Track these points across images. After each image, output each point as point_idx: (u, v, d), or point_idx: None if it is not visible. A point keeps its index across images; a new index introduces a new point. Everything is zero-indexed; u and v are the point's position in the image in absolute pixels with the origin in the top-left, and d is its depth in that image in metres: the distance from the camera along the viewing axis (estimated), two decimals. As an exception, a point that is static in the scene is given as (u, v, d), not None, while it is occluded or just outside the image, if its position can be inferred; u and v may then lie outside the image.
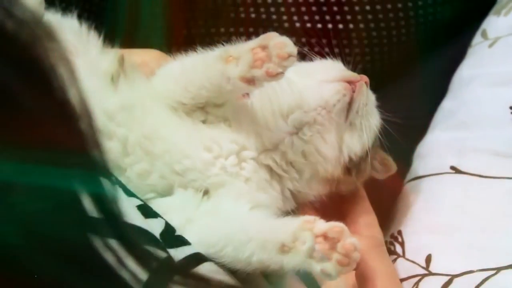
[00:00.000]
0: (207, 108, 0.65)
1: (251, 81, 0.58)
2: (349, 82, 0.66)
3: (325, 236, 0.53)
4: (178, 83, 0.64)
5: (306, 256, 0.53)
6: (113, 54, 0.67)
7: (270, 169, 0.65)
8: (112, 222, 0.39)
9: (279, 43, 0.57)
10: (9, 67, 0.34)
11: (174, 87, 0.64)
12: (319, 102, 0.65)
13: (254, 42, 0.59)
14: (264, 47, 0.58)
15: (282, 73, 0.57)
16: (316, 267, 0.53)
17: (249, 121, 0.65)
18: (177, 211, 0.60)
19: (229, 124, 0.65)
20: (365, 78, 0.68)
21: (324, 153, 0.66)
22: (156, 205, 0.59)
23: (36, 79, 0.35)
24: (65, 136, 0.36)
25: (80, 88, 0.37)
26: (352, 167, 0.67)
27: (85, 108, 0.37)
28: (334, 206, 0.68)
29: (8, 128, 0.34)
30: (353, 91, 0.66)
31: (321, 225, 0.54)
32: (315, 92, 0.66)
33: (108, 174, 0.41)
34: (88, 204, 0.37)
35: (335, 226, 0.54)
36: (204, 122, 0.65)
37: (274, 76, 0.57)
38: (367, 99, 0.68)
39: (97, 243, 0.38)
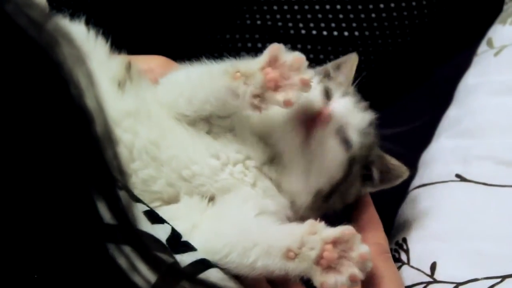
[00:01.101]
0: (211, 120, 0.64)
1: (263, 101, 0.57)
2: (311, 119, 0.63)
3: (334, 242, 0.52)
4: (182, 95, 0.63)
5: (313, 263, 0.52)
6: (120, 60, 0.67)
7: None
8: (126, 229, 0.39)
9: (295, 63, 0.56)
10: (29, 73, 0.34)
11: (177, 99, 0.63)
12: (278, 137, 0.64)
13: (262, 59, 0.57)
14: (274, 60, 0.56)
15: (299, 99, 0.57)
16: (321, 278, 0.52)
17: (253, 132, 0.65)
18: (182, 217, 0.60)
19: (234, 134, 0.65)
20: (325, 113, 0.63)
21: (289, 187, 0.64)
22: (161, 212, 0.59)
23: (55, 84, 0.35)
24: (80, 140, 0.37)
25: (97, 93, 0.37)
26: (329, 193, 0.66)
27: (101, 113, 0.37)
28: (339, 211, 0.68)
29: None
30: (313, 127, 0.63)
31: (330, 230, 0.53)
32: (276, 126, 0.64)
33: (116, 180, 0.41)
34: (103, 211, 0.38)
35: (346, 229, 0.53)
36: (208, 133, 0.64)
37: (292, 104, 0.56)
38: (330, 130, 0.63)
39: (111, 248, 0.38)
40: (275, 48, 0.57)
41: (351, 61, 0.71)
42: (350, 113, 0.64)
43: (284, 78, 0.56)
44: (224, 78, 0.58)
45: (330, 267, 0.52)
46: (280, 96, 0.56)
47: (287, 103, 0.55)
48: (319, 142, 0.62)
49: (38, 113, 0.35)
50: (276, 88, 0.56)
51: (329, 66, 0.72)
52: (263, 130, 0.64)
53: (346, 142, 0.64)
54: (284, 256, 0.54)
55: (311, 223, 0.55)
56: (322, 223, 0.55)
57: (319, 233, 0.53)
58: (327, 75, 0.70)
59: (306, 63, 0.57)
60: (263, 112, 0.57)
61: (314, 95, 0.63)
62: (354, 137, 0.64)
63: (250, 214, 0.61)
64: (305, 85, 0.56)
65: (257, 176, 0.64)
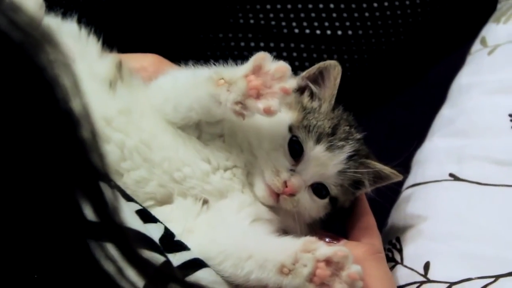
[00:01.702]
0: (200, 126, 0.64)
1: (244, 108, 0.57)
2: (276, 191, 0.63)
3: (327, 261, 0.53)
4: (168, 102, 0.63)
5: (306, 280, 0.53)
6: (112, 58, 0.66)
7: None
8: (110, 226, 0.39)
9: (278, 72, 0.56)
10: (14, 78, 0.34)
11: (164, 106, 0.63)
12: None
13: (246, 67, 0.57)
14: (258, 69, 0.57)
15: (279, 110, 0.57)
16: None
17: (241, 140, 0.65)
18: (176, 219, 0.60)
19: (223, 140, 0.64)
20: (288, 191, 0.62)
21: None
22: (155, 213, 0.59)
23: (39, 88, 0.35)
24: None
25: (83, 97, 0.37)
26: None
27: (87, 117, 0.37)
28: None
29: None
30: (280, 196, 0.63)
31: (323, 249, 0.53)
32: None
33: (107, 179, 0.41)
34: (87, 210, 0.37)
35: (339, 251, 0.53)
36: (198, 138, 0.64)
37: (273, 113, 0.56)
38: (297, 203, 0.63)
39: (98, 252, 0.38)
40: (260, 57, 0.57)
41: (334, 72, 0.66)
42: (319, 166, 0.63)
43: (266, 86, 0.56)
44: (208, 85, 0.58)
45: (323, 284, 0.53)
46: (260, 104, 0.56)
47: (267, 111, 0.56)
48: (292, 202, 0.63)
49: (23, 117, 0.35)
50: (258, 96, 0.56)
51: (308, 78, 0.68)
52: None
53: (322, 190, 0.64)
54: (278, 271, 0.54)
55: (306, 241, 0.55)
56: (317, 241, 0.55)
57: (313, 251, 0.53)
58: (310, 94, 0.67)
59: (289, 72, 0.57)
60: (246, 119, 0.58)
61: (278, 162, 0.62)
62: (330, 183, 0.64)
63: (245, 222, 0.61)
64: (286, 93, 0.56)
65: (245, 184, 0.64)
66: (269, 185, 0.62)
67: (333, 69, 0.65)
